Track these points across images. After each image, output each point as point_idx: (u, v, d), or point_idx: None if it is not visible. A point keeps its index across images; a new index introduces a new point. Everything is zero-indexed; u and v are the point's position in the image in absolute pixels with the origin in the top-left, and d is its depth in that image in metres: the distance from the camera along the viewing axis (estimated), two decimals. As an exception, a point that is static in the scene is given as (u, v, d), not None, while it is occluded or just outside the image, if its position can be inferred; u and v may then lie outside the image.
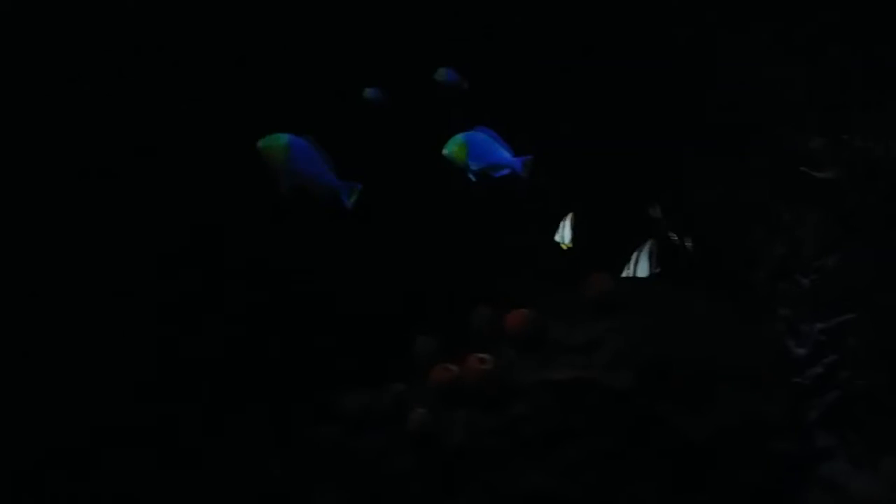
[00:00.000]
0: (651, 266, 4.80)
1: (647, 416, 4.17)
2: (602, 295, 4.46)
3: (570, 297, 4.52)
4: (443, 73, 5.19)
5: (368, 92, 5.19)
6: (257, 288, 5.23)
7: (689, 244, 4.95)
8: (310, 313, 5.22)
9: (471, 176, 4.41)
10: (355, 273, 5.28)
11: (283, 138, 4.03)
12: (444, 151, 4.37)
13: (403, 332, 4.72)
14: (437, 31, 5.39)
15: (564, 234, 5.04)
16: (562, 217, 5.05)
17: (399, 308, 5.15)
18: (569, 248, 5.05)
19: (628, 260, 4.84)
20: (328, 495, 4.41)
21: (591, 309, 4.44)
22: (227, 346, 5.15)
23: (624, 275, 4.85)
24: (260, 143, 4.01)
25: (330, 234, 5.20)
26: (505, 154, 4.44)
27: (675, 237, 4.94)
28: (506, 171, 4.44)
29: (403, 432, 4.29)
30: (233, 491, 4.72)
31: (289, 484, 4.53)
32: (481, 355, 4.31)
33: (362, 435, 4.44)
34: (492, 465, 4.18)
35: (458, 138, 4.39)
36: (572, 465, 4.15)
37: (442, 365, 4.37)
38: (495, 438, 4.21)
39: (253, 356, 5.15)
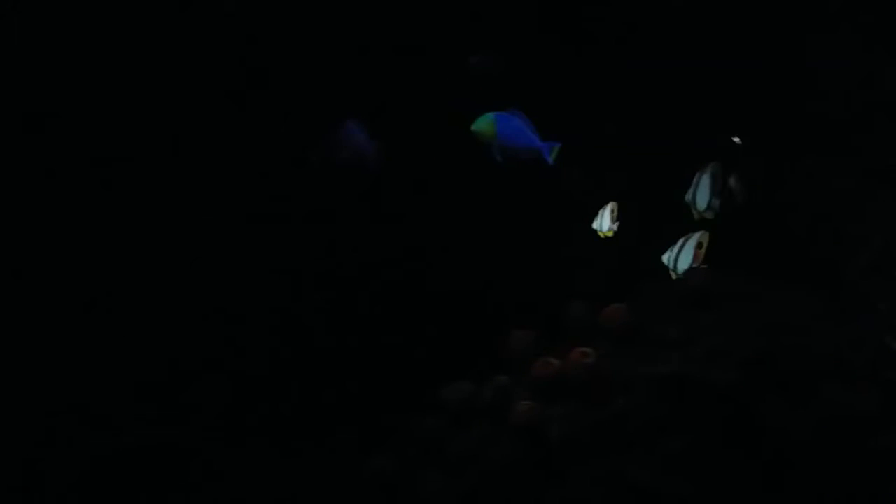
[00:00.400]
0: (694, 257, 4.63)
1: (748, 412, 4.09)
2: (697, 289, 4.42)
3: (664, 291, 4.50)
4: (477, 57, 5.18)
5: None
6: (353, 285, 5.35)
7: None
8: (404, 308, 5.32)
9: (497, 156, 4.48)
10: (447, 268, 5.34)
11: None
12: (473, 128, 4.48)
13: (494, 326, 4.74)
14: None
15: (603, 222, 4.86)
16: (603, 205, 4.91)
17: (489, 302, 5.22)
18: (607, 237, 4.89)
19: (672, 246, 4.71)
20: (435, 484, 4.40)
21: (687, 303, 4.40)
22: (326, 342, 5.27)
23: (664, 260, 4.70)
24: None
25: (422, 229, 5.35)
26: (533, 138, 4.51)
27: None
28: (532, 155, 4.53)
29: (507, 424, 4.29)
30: (344, 480, 4.76)
31: (397, 473, 4.54)
32: (583, 349, 4.31)
33: (465, 427, 4.44)
34: (595, 459, 4.15)
35: (489, 116, 4.50)
36: (675, 460, 4.07)
37: (543, 359, 4.37)
38: (598, 432, 4.18)
39: (351, 352, 5.25)
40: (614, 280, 4.94)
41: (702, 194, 4.75)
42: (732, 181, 4.74)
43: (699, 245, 4.63)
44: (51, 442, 4.92)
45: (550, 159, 4.47)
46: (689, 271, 4.56)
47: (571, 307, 4.58)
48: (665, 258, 4.69)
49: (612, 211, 4.79)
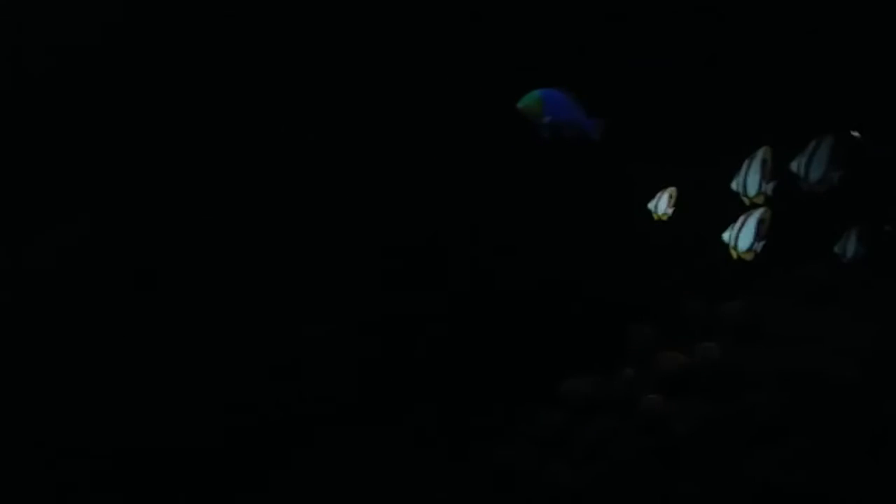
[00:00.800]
0: (758, 235, 4.62)
1: (877, 410, 4.17)
2: (820, 285, 4.55)
3: (783, 287, 4.62)
4: None
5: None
6: (475, 286, 5.63)
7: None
8: (523, 305, 5.52)
9: (543, 133, 4.49)
10: (562, 266, 5.54)
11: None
12: (519, 105, 4.47)
13: (607, 321, 4.92)
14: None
15: (659, 204, 4.94)
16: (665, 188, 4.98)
17: (605, 297, 5.34)
18: (660, 219, 4.95)
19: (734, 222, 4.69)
20: (563, 474, 4.56)
21: (808, 298, 4.54)
22: (452, 341, 5.54)
23: (725, 238, 4.68)
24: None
25: (536, 229, 5.56)
26: (580, 114, 4.53)
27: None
28: (578, 131, 4.53)
29: (633, 418, 4.44)
30: (476, 470, 5.00)
31: (525, 463, 4.73)
32: (707, 344, 4.44)
33: (591, 419, 4.61)
34: (721, 453, 4.28)
35: (535, 94, 4.50)
36: (800, 456, 4.17)
37: (667, 353, 4.52)
38: (725, 427, 4.30)
39: (476, 347, 5.51)
40: (718, 274, 5.01)
41: (752, 180, 4.82)
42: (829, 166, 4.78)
43: (761, 221, 4.65)
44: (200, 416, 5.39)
45: (596, 136, 4.51)
46: (809, 268, 4.55)
47: (689, 302, 4.69)
48: (726, 236, 4.70)
49: (671, 196, 4.88)
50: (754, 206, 4.77)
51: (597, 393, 4.64)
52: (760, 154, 4.74)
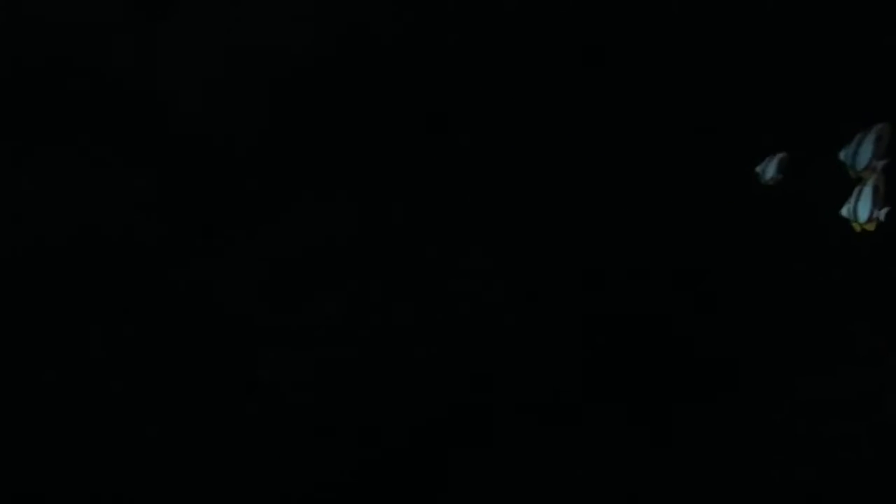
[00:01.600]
0: (875, 204, 4.50)
1: None
2: None
3: None
4: None
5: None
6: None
7: None
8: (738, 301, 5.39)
9: None
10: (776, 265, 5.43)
11: None
12: None
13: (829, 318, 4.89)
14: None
15: (767, 169, 4.83)
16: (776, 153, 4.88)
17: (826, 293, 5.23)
18: (768, 187, 4.86)
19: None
20: (801, 476, 4.56)
21: None
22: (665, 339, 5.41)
23: (844, 213, 4.55)
24: None
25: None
26: None
27: None
28: None
29: (875, 422, 4.47)
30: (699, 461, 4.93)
31: (767, 464, 4.71)
32: None
33: (826, 421, 4.61)
34: None
35: None
36: None
37: None
38: None
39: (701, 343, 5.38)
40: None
41: (863, 153, 4.69)
42: None
43: (876, 189, 4.50)
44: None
45: None
46: None
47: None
48: (844, 211, 4.56)
49: (781, 161, 4.79)
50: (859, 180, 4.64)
51: (831, 393, 4.61)
52: (876, 129, 4.62)
